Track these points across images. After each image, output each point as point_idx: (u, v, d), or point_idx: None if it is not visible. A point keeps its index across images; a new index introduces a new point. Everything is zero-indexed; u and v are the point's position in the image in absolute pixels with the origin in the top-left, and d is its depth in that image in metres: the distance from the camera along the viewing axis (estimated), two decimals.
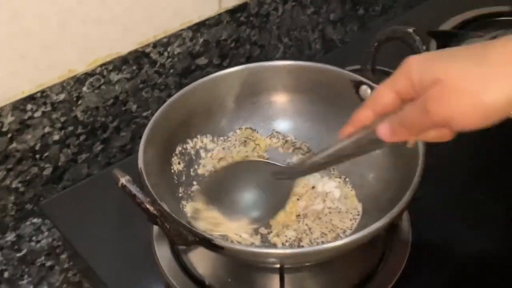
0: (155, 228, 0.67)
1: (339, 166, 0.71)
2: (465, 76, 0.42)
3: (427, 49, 0.94)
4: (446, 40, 0.92)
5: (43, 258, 0.77)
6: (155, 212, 0.52)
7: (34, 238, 0.80)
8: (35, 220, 0.81)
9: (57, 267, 0.76)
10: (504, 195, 0.74)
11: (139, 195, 0.51)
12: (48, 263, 0.76)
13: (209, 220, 0.62)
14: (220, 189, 0.65)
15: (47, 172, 0.81)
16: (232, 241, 0.62)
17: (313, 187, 0.69)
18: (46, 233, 0.80)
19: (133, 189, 0.52)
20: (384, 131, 0.47)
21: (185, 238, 0.54)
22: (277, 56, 1.00)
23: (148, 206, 0.51)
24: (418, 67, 0.44)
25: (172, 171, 0.68)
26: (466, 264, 0.67)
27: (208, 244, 0.54)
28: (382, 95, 0.48)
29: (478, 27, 0.97)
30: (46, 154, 0.79)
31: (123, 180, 0.52)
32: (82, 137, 0.82)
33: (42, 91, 0.75)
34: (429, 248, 0.67)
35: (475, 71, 0.42)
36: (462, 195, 0.74)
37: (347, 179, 0.70)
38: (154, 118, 0.66)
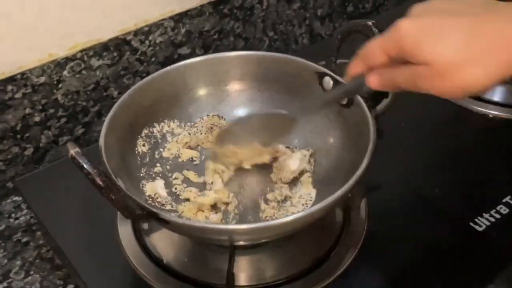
0: None
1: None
2: (450, 63, 0.47)
3: None
4: None
5: (19, 234, 0.80)
6: (100, 183, 0.54)
7: (13, 215, 0.82)
8: (15, 198, 0.84)
9: (32, 243, 0.79)
10: (458, 194, 0.75)
11: (86, 166, 0.54)
12: (24, 239, 0.79)
13: (226, 154, 0.69)
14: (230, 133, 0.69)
15: (28, 152, 0.84)
16: (180, 217, 0.64)
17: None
18: (25, 211, 0.83)
19: (81, 160, 0.54)
20: (374, 81, 0.54)
21: (132, 211, 0.56)
22: (263, 49, 1.02)
23: (94, 177, 0.54)
24: (411, 38, 0.48)
25: (136, 152, 0.70)
26: (417, 254, 0.68)
27: (155, 218, 0.56)
28: (373, 53, 0.53)
29: None
30: (27, 134, 0.82)
31: (73, 151, 0.54)
32: (63, 120, 0.85)
33: (23, 73, 0.78)
34: (383, 238, 0.69)
35: (461, 57, 0.46)
36: (421, 190, 0.75)
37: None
38: (121, 99, 0.68)
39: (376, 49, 0.52)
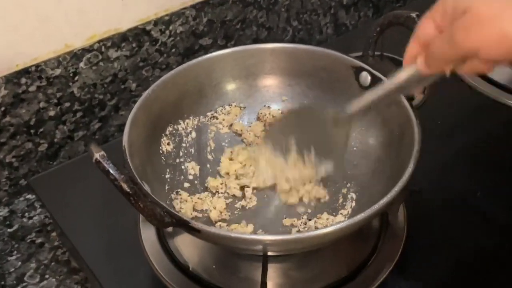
0: None
1: None
2: (490, 7, 0.42)
3: None
4: None
5: (33, 235, 0.76)
6: (128, 190, 0.50)
7: (26, 214, 0.79)
8: (28, 196, 0.81)
9: (47, 245, 0.75)
10: (501, 194, 0.71)
11: (113, 171, 0.49)
12: (38, 240, 0.75)
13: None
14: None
15: (42, 148, 0.80)
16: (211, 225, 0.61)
17: None
18: (38, 210, 0.79)
19: (107, 165, 0.49)
20: (420, 65, 0.49)
21: (161, 219, 0.52)
22: (286, 40, 0.98)
23: (121, 183, 0.49)
24: None
25: (161, 151, 0.66)
26: (459, 261, 0.64)
27: (185, 227, 0.52)
28: (422, 26, 0.49)
29: None
30: (41, 129, 0.78)
31: (97, 155, 0.49)
32: (78, 114, 0.81)
33: (37, 65, 0.74)
34: (423, 244, 0.65)
35: (502, 3, 0.42)
36: (461, 193, 0.71)
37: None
38: (144, 95, 0.64)
39: (424, 21, 0.49)
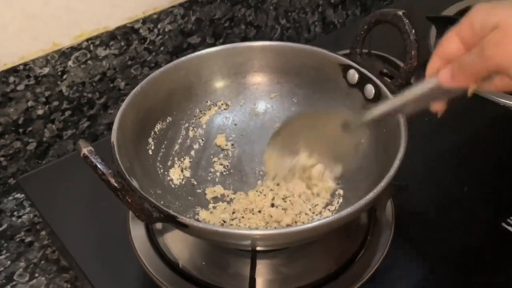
0: None
1: None
2: None
3: (426, 35, 0.92)
4: (445, 26, 0.89)
5: (22, 234, 0.76)
6: (115, 184, 0.50)
7: (15, 213, 0.78)
8: (17, 195, 0.80)
9: (37, 244, 0.75)
10: (488, 192, 0.72)
11: (100, 166, 0.49)
12: (28, 239, 0.75)
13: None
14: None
15: (31, 147, 0.79)
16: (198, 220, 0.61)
17: None
18: (27, 209, 0.79)
19: (95, 159, 0.49)
20: (444, 76, 0.48)
21: (149, 214, 0.52)
22: (275, 38, 0.98)
23: (109, 178, 0.49)
24: (482, 14, 0.45)
25: (149, 148, 0.66)
26: (447, 257, 0.64)
27: (173, 222, 0.52)
28: (448, 42, 0.48)
29: None
30: (29, 128, 0.78)
31: (85, 150, 0.49)
32: (67, 113, 0.81)
33: (25, 64, 0.74)
34: (411, 240, 0.65)
35: None
36: (449, 188, 0.72)
37: None
38: (133, 92, 0.64)
39: (450, 36, 0.48)
